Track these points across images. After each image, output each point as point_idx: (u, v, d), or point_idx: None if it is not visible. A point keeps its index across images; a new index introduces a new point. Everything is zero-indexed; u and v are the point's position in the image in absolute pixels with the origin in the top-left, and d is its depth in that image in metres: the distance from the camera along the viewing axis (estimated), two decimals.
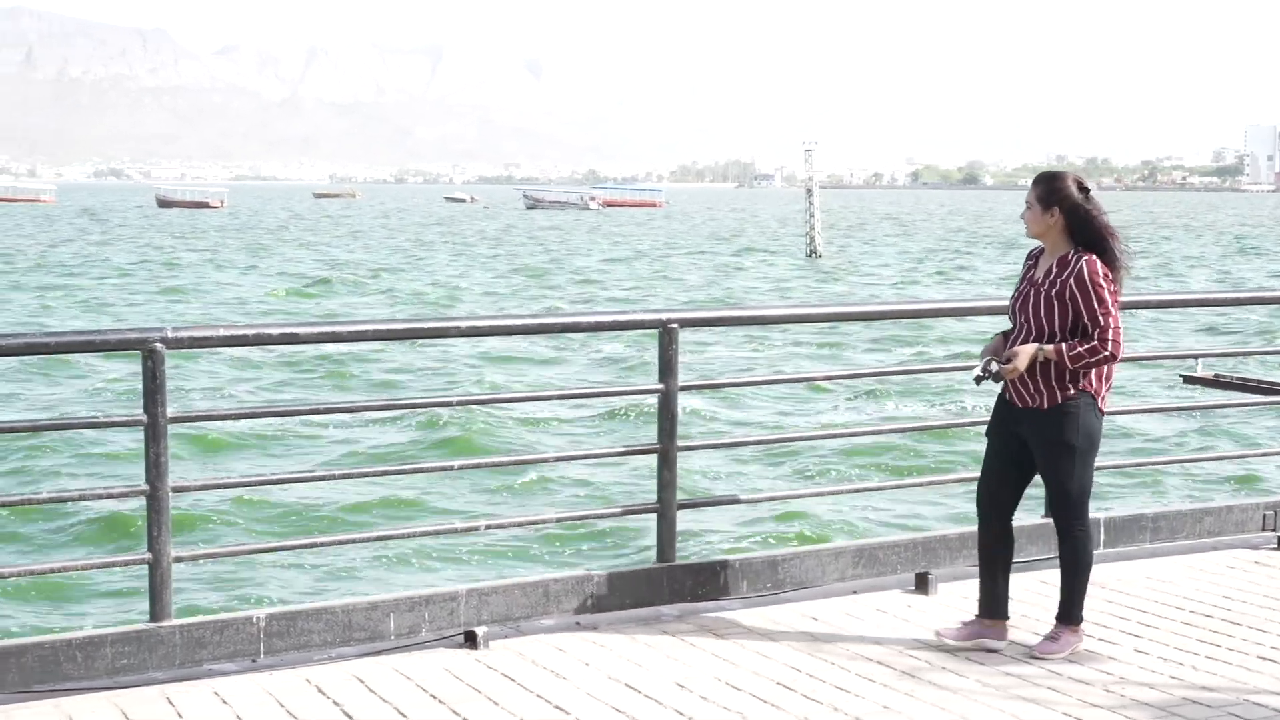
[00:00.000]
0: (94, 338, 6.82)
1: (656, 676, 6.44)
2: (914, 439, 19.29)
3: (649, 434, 20.05)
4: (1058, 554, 6.92)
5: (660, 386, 7.52)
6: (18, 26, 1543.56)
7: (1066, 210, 6.65)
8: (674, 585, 7.55)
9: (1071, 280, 6.57)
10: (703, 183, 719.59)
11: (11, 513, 15.13)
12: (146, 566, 6.55)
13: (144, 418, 6.46)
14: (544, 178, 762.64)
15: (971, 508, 7.36)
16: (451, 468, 8.04)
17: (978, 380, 6.76)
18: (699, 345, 30.17)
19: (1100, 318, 6.54)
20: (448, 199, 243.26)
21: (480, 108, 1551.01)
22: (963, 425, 16.25)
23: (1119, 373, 7.13)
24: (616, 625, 7.18)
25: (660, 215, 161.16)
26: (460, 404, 7.85)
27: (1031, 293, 6.72)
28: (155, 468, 6.46)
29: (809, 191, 72.15)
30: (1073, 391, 6.63)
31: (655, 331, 7.57)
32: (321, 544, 8.46)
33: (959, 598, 7.64)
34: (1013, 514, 6.98)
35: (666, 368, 7.48)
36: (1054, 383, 6.63)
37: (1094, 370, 6.66)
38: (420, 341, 29.73)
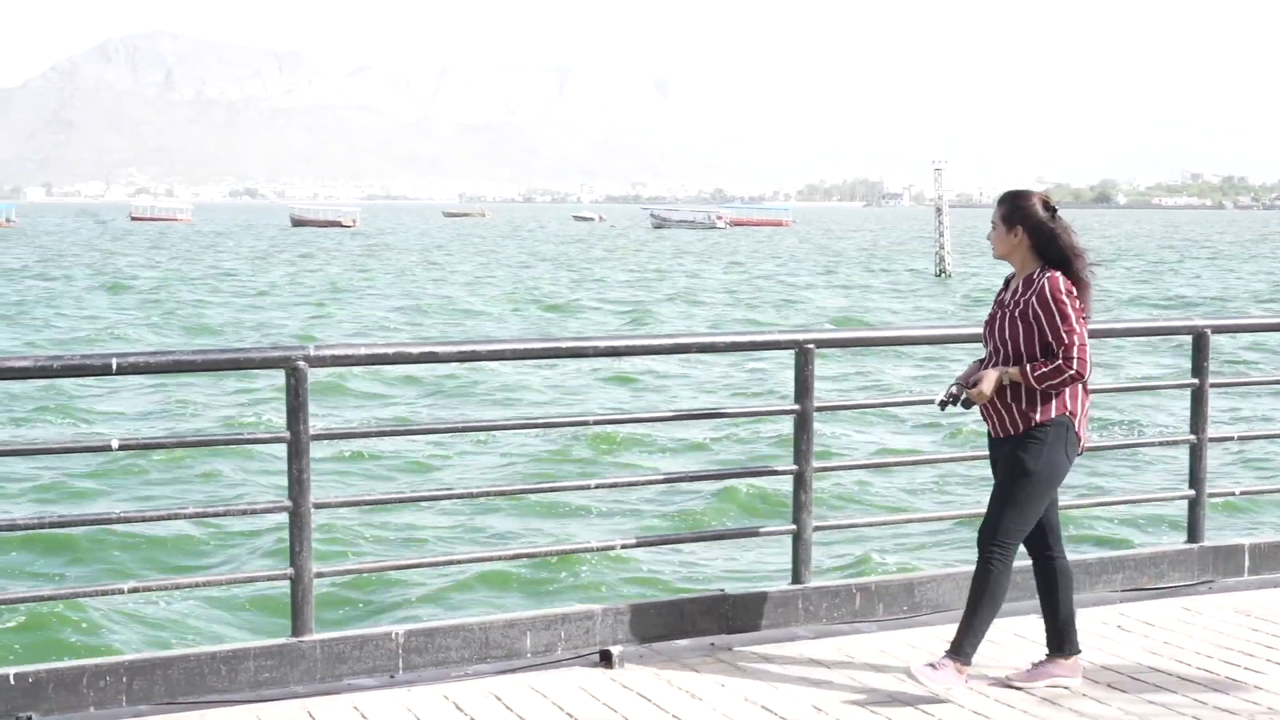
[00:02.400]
0: (238, 356, 6.94)
1: (792, 699, 6.41)
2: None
3: (767, 454, 20.11)
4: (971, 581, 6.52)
5: (796, 407, 7.50)
6: (157, 48, 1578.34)
7: (1030, 229, 6.44)
8: (809, 607, 7.52)
9: (1034, 298, 6.36)
10: (830, 202, 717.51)
11: (158, 528, 15.44)
12: (289, 581, 6.65)
13: (287, 435, 6.55)
14: (671, 197, 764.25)
15: (1115, 531, 7.24)
16: (588, 486, 8.08)
17: (941, 405, 6.54)
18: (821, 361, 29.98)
19: (1064, 335, 6.29)
20: (576, 218, 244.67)
21: (607, 127, 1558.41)
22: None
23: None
24: (751, 646, 7.15)
25: (788, 234, 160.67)
26: (598, 423, 7.89)
27: (999, 314, 6.52)
28: (298, 484, 6.55)
29: (938, 210, 71.62)
30: (1048, 415, 6.36)
31: (791, 352, 7.55)
32: (459, 561, 8.53)
33: (1099, 624, 7.52)
34: (1049, 544, 6.64)
35: (803, 389, 7.46)
36: (1025, 406, 6.39)
37: (1067, 393, 6.40)
38: (551, 361, 29.87)
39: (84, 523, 7.01)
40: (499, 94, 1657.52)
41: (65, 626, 12.61)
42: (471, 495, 9.21)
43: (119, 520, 7.09)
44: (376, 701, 6.32)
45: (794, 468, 7.53)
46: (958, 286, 64.51)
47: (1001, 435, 6.49)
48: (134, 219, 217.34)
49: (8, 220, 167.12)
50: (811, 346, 7.48)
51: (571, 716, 6.17)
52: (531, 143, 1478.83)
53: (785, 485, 7.74)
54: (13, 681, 6.07)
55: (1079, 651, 6.66)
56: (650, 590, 13.50)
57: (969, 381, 6.48)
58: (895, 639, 7.31)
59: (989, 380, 6.38)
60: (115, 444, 6.52)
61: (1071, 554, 7.07)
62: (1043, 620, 6.73)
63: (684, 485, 17.61)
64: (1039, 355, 6.36)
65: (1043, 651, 6.73)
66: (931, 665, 6.41)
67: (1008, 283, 6.63)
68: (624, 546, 7.84)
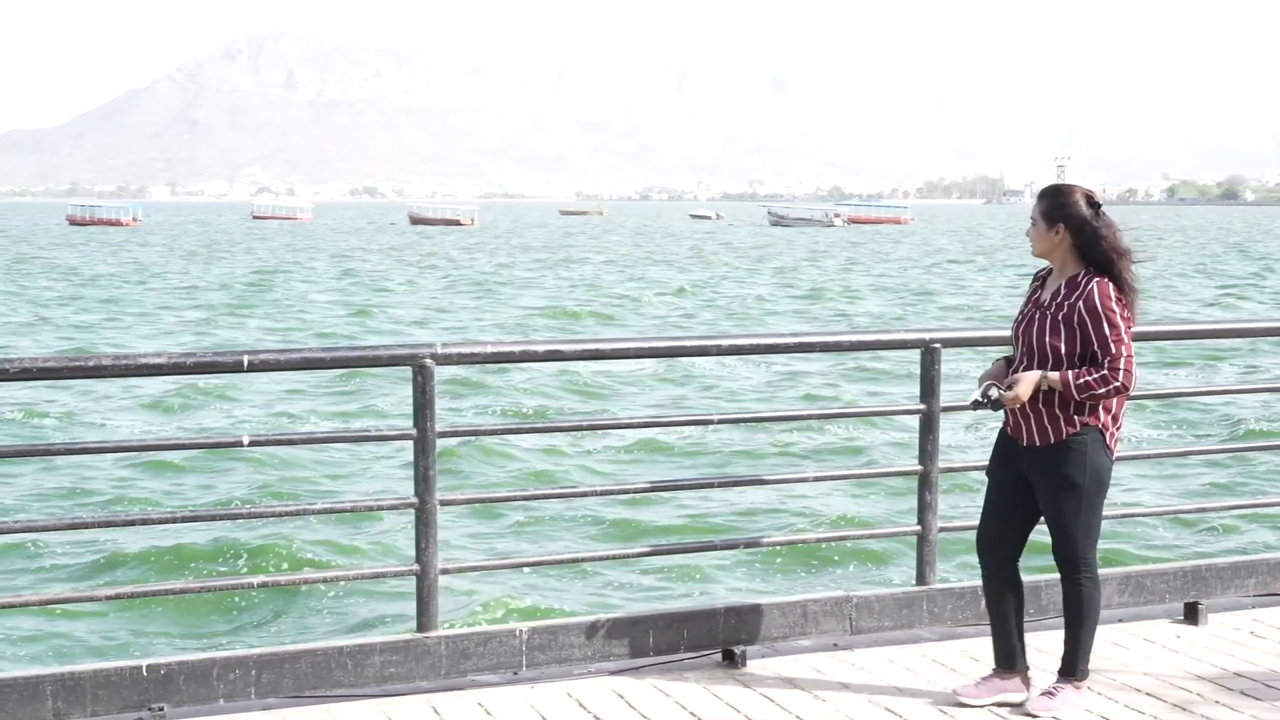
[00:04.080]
0: (366, 353, 7.00)
1: (916, 701, 6.36)
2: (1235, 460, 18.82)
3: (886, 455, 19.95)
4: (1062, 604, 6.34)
5: (922, 407, 7.43)
6: (280, 50, 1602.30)
7: (1073, 227, 6.09)
8: (933, 609, 7.45)
9: (1080, 303, 6.01)
10: (950, 199, 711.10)
11: (287, 521, 15.66)
12: (414, 578, 6.71)
13: (414, 432, 6.61)
14: (788, 194, 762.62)
15: (1249, 535, 7.09)
16: (711, 485, 8.07)
17: (974, 406, 6.21)
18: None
19: (1111, 345, 5.96)
20: (692, 216, 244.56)
21: (725, 124, 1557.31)
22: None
23: None
24: (875, 648, 7.10)
25: (907, 232, 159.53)
26: (721, 421, 7.87)
27: (1037, 315, 6.17)
28: (424, 481, 6.60)
29: None
30: (1079, 426, 6.06)
31: (917, 351, 7.49)
32: (583, 559, 8.59)
33: (1230, 629, 7.39)
34: (1016, 560, 6.40)
35: (929, 389, 7.39)
36: (1059, 415, 6.07)
37: (1102, 404, 6.10)
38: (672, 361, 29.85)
39: (214, 518, 7.10)
40: (616, 92, 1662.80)
41: (195, 619, 12.83)
42: (595, 493, 9.24)
43: (247, 515, 7.22)
44: (500, 698, 6.36)
45: (919, 468, 7.46)
46: None
47: (1028, 444, 6.18)
48: (255, 217, 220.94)
49: (135, 219, 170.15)
50: (938, 346, 7.41)
51: (695, 715, 6.16)
52: (649, 141, 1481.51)
53: (909, 486, 7.64)
54: (145, 673, 6.17)
55: (1027, 669, 6.43)
56: (773, 590, 13.45)
57: (1005, 384, 6.14)
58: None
59: (1028, 384, 6.05)
60: (246, 440, 6.61)
61: (1200, 558, 6.92)
62: (992, 635, 6.47)
63: (805, 485, 17.51)
64: (1079, 362, 6.05)
65: (990, 666, 6.51)
66: (1048, 694, 6.26)
67: (1043, 281, 6.31)
68: (746, 546, 7.85)
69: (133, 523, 7.34)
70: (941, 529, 7.57)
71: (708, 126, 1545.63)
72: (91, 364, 6.34)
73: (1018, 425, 6.22)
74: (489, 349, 6.97)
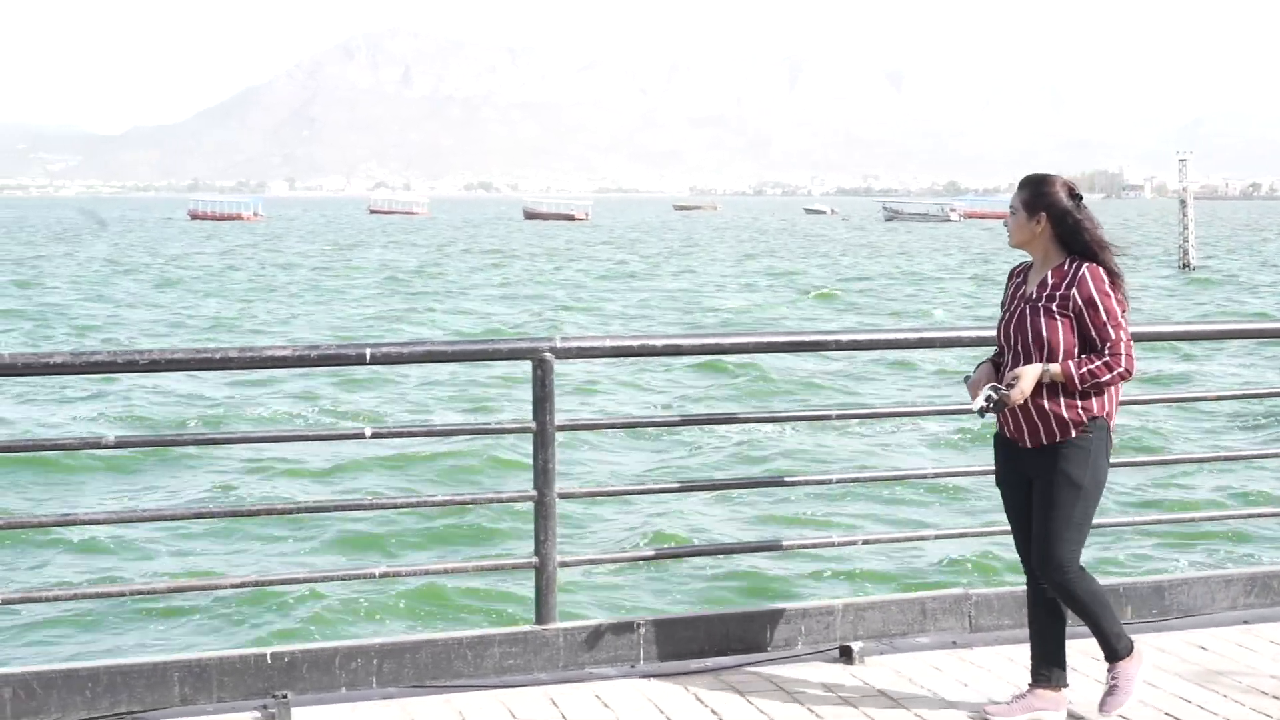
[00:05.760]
0: (487, 346, 7.05)
1: None
2: None
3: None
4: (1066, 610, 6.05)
5: None
6: (397, 46, 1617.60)
7: (1054, 217, 5.89)
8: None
9: (1075, 291, 5.81)
10: None
11: (408, 514, 15.82)
12: (533, 570, 6.75)
13: (533, 425, 6.65)
14: (903, 189, 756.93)
15: None
16: (830, 481, 8.04)
17: (982, 413, 5.92)
18: None
19: (1110, 331, 5.77)
20: (807, 211, 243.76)
21: (839, 119, 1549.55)
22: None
23: None
24: (994, 646, 7.03)
25: None
26: (839, 417, 7.85)
27: (1026, 310, 5.92)
28: (543, 474, 6.64)
29: (1183, 203, 69.79)
30: (1085, 419, 5.83)
31: None
32: (700, 553, 8.60)
33: None
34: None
35: None
36: (1062, 409, 5.83)
37: (1107, 391, 5.89)
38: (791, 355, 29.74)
39: (336, 508, 7.20)
40: (730, 87, 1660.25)
41: (318, 608, 13.00)
42: (712, 487, 9.26)
43: (369, 506, 7.31)
44: (618, 691, 6.38)
45: None
46: (1201, 278, 63.00)
47: (1033, 445, 5.93)
48: (372, 212, 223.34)
49: (255, 214, 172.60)
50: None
51: (812, 712, 6.14)
52: (762, 135, 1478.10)
53: None
54: (269, 661, 6.27)
55: (1065, 685, 6.17)
56: (890, 586, 13.38)
57: (1005, 382, 5.89)
58: (1143, 642, 7.10)
59: (1029, 377, 5.81)
60: (368, 432, 6.70)
61: None
62: (1031, 649, 6.22)
63: (924, 481, 17.38)
64: (1078, 352, 5.84)
65: (1026, 681, 6.28)
66: (1110, 690, 6.04)
67: (1025, 275, 6.07)
68: (865, 542, 7.79)
69: (256, 513, 7.48)
70: None
71: (822, 121, 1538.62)
72: (218, 356, 6.45)
73: (1018, 426, 5.97)
74: (608, 343, 6.99)
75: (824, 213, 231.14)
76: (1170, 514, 14.31)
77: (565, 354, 6.68)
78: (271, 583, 7.44)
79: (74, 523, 10.86)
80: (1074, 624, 6.11)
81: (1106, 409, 5.91)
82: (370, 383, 27.49)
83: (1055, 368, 5.81)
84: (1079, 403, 5.85)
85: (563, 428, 6.81)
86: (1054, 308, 5.85)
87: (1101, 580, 7.31)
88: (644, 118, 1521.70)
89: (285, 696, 6.05)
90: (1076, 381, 5.79)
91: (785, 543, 8.47)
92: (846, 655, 6.79)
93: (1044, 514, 5.90)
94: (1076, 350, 5.85)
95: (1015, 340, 5.96)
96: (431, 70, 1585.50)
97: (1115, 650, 6.03)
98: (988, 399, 5.88)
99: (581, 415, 22.80)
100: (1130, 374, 5.84)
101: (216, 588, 7.82)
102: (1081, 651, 6.47)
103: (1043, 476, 5.90)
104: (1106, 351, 5.79)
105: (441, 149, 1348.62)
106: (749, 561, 14.19)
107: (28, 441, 12.97)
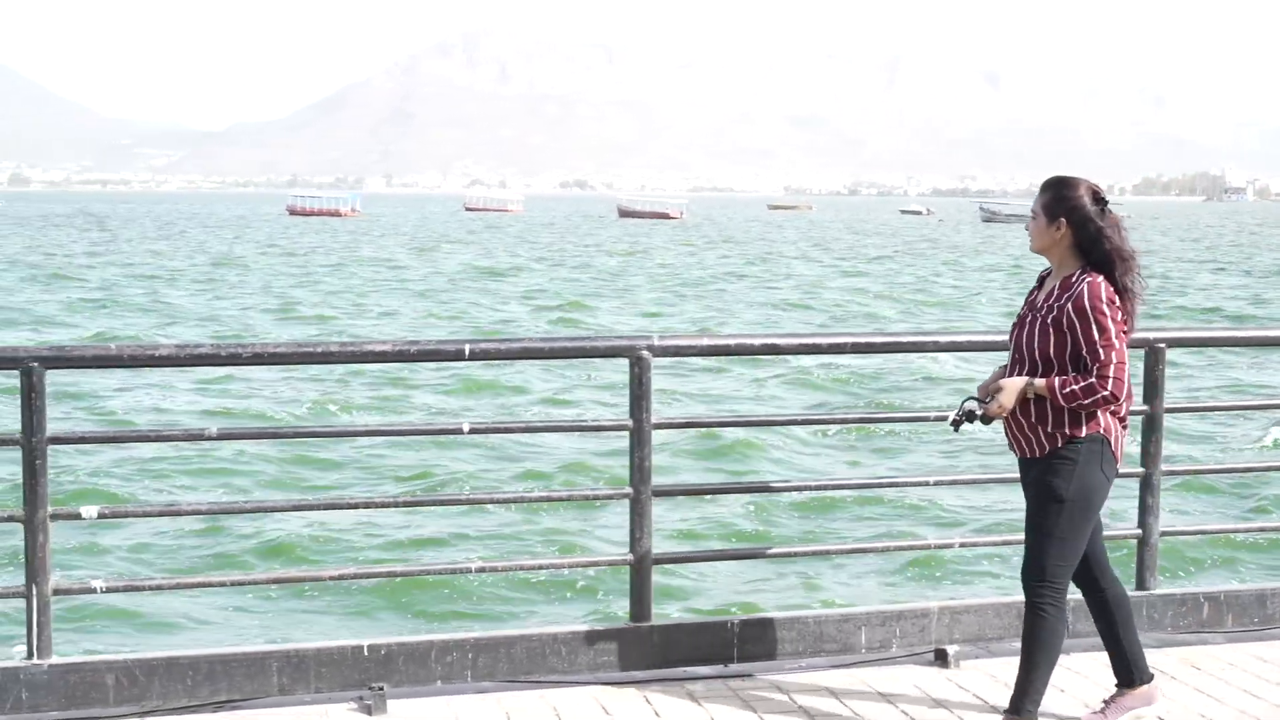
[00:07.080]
0: (584, 344, 7.08)
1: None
2: None
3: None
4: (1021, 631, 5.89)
5: (1145, 408, 7.27)
6: (493, 44, 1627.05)
7: (1075, 223, 5.63)
8: (1151, 615, 7.30)
9: (1070, 304, 5.56)
10: (1168, 196, 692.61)
11: (510, 509, 15.87)
12: (628, 567, 6.77)
13: (629, 422, 6.67)
14: (1000, 190, 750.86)
15: None
16: (927, 483, 8.00)
17: (955, 425, 5.78)
18: None
19: (1100, 350, 5.50)
20: (903, 212, 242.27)
21: (936, 119, 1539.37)
22: None
23: None
24: (1091, 653, 6.96)
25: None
26: (937, 419, 7.78)
27: (1029, 318, 5.75)
28: (639, 471, 6.65)
29: None
30: (1080, 434, 5.61)
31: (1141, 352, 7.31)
32: (794, 554, 8.58)
33: None
34: (1098, 574, 6.03)
35: (1152, 390, 7.23)
36: (1053, 425, 5.63)
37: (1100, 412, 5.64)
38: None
39: (434, 503, 7.27)
40: (826, 86, 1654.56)
41: (416, 600, 13.09)
42: (805, 488, 9.21)
43: (467, 501, 7.35)
44: (711, 689, 6.39)
45: (1140, 470, 7.30)
46: None
47: (1029, 456, 5.77)
48: (468, 209, 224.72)
49: (353, 209, 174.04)
50: (1163, 346, 7.23)
51: (906, 715, 6.12)
52: (858, 135, 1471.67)
53: (1130, 488, 7.46)
54: (366, 653, 6.34)
55: (1150, 679, 6.14)
56: (987, 589, 13.28)
57: (986, 394, 5.74)
58: (1243, 652, 7.02)
59: (1010, 391, 5.63)
60: (466, 427, 6.74)
61: None
62: (1107, 654, 6.18)
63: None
64: (1070, 368, 5.60)
65: (1112, 685, 6.22)
66: None
67: (1042, 281, 5.87)
68: (962, 545, 7.75)
69: (355, 506, 7.53)
70: (1163, 533, 7.41)
71: (919, 121, 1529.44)
72: (320, 350, 6.52)
73: (1014, 438, 5.83)
74: (705, 341, 7.00)
75: (920, 213, 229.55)
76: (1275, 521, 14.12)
77: (663, 352, 6.69)
78: (370, 575, 7.53)
79: (177, 513, 11.03)
80: (1091, 634, 6.16)
81: (1103, 425, 5.67)
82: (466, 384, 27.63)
83: (1040, 382, 5.62)
84: (1067, 419, 5.64)
85: (660, 425, 6.82)
86: (1050, 320, 5.65)
87: (1202, 589, 7.24)
88: (738, 116, 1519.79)
89: (381, 688, 6.11)
90: (1060, 399, 5.58)
91: (879, 544, 8.46)
92: (941, 659, 6.76)
93: (1029, 525, 5.80)
94: (1070, 366, 5.62)
95: (1016, 347, 5.83)
96: (527, 68, 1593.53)
97: (1021, 705, 5.82)
98: (962, 411, 5.76)
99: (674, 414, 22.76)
100: (1117, 399, 5.58)
101: (315, 579, 7.88)
102: (1104, 666, 6.43)
103: (1031, 488, 5.81)
104: (1095, 373, 5.54)
105: (537, 147, 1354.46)
106: (845, 562, 14.13)
107: (132, 432, 13.16)
